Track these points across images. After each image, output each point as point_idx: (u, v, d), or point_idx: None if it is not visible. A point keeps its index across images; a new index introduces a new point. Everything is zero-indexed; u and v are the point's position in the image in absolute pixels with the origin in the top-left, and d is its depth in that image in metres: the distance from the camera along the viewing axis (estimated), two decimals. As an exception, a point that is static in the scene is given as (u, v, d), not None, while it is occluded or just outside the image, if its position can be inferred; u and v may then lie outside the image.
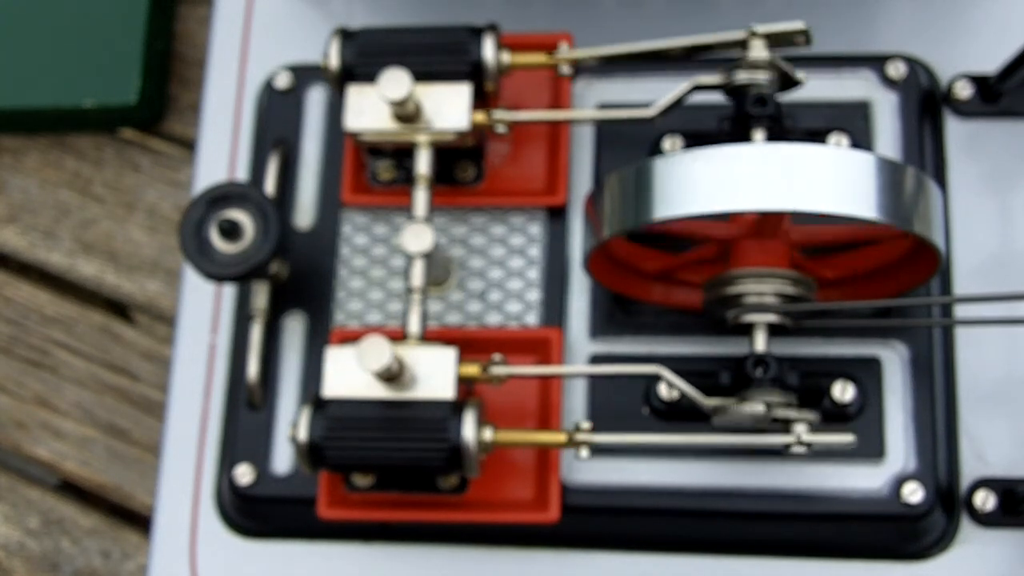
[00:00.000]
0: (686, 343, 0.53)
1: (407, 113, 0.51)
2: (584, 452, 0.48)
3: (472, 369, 0.48)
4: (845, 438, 0.46)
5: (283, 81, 0.59)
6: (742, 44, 0.51)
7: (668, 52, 0.52)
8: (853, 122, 0.55)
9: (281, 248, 0.52)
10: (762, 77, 0.50)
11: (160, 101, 0.71)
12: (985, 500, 0.51)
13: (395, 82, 0.49)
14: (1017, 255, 0.54)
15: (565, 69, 0.53)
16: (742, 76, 0.50)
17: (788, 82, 0.51)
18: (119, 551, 0.65)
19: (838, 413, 0.51)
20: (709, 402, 0.47)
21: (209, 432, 0.56)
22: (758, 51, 0.50)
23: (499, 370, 0.48)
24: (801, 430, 0.46)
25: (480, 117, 0.52)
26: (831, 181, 0.44)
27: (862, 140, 0.55)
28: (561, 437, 0.48)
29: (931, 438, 0.51)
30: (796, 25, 0.50)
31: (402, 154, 0.55)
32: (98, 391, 0.67)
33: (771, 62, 0.50)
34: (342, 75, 0.52)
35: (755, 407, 0.46)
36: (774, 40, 0.50)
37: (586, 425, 0.48)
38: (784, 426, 0.47)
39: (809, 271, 0.50)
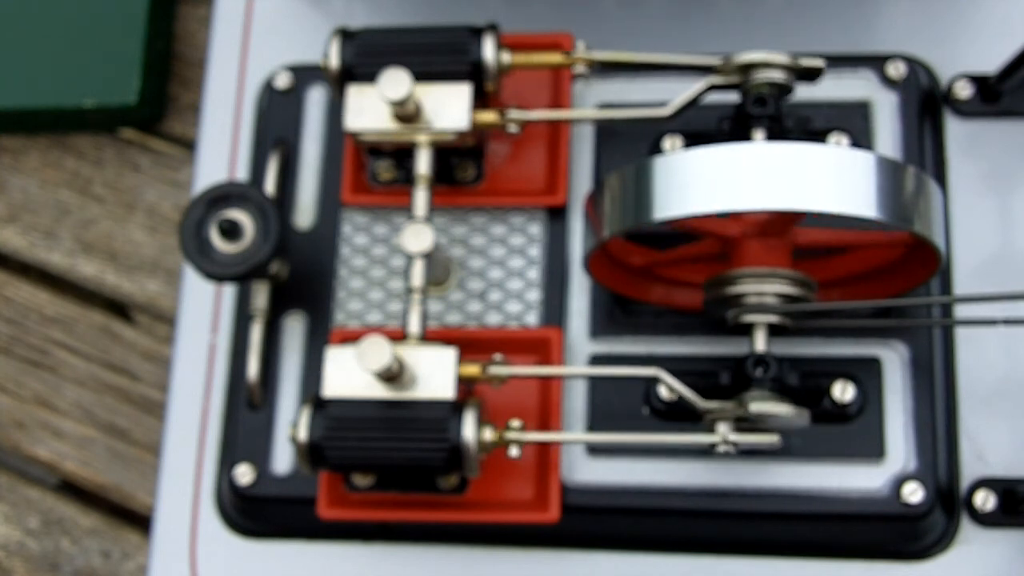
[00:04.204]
0: (686, 343, 0.53)
1: (407, 113, 0.51)
2: (515, 451, 0.48)
3: (472, 369, 0.48)
4: (770, 438, 0.46)
5: (283, 81, 0.59)
6: (766, 64, 0.50)
7: (687, 66, 0.52)
8: (853, 122, 0.55)
9: (281, 248, 0.52)
10: (778, 75, 0.50)
11: (160, 101, 0.71)
12: (985, 500, 0.51)
13: (395, 82, 0.49)
14: (1017, 255, 0.54)
15: (581, 69, 0.53)
16: (758, 76, 0.50)
17: (805, 76, 0.50)
18: (119, 551, 0.65)
19: (838, 413, 0.51)
20: (706, 404, 0.47)
21: (209, 432, 0.56)
22: (741, 57, 0.50)
23: (499, 370, 0.48)
24: (725, 430, 0.46)
25: (492, 116, 0.52)
26: (831, 180, 0.44)
27: (862, 140, 0.55)
28: (492, 435, 0.48)
29: (931, 438, 0.51)
30: (815, 62, 0.50)
31: (402, 154, 0.55)
32: (98, 391, 0.67)
33: (787, 63, 0.50)
34: (342, 75, 0.52)
35: (774, 408, 0.46)
36: (796, 72, 0.50)
37: (516, 423, 0.48)
38: (711, 425, 0.47)
39: (809, 272, 0.50)
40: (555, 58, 0.53)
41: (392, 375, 0.47)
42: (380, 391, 0.48)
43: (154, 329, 0.68)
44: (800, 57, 0.50)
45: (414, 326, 0.49)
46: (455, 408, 0.47)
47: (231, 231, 0.51)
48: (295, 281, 0.56)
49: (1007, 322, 0.50)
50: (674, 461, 0.52)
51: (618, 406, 0.53)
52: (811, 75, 0.50)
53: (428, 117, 0.51)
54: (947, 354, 0.53)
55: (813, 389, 0.52)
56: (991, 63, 0.56)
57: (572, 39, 0.56)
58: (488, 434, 0.48)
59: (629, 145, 0.56)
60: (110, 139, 0.72)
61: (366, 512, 0.52)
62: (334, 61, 0.52)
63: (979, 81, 0.56)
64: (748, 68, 0.50)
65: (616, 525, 0.53)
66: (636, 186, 0.46)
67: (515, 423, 0.48)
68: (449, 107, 0.51)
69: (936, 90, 0.56)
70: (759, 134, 0.50)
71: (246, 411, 0.55)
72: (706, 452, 0.52)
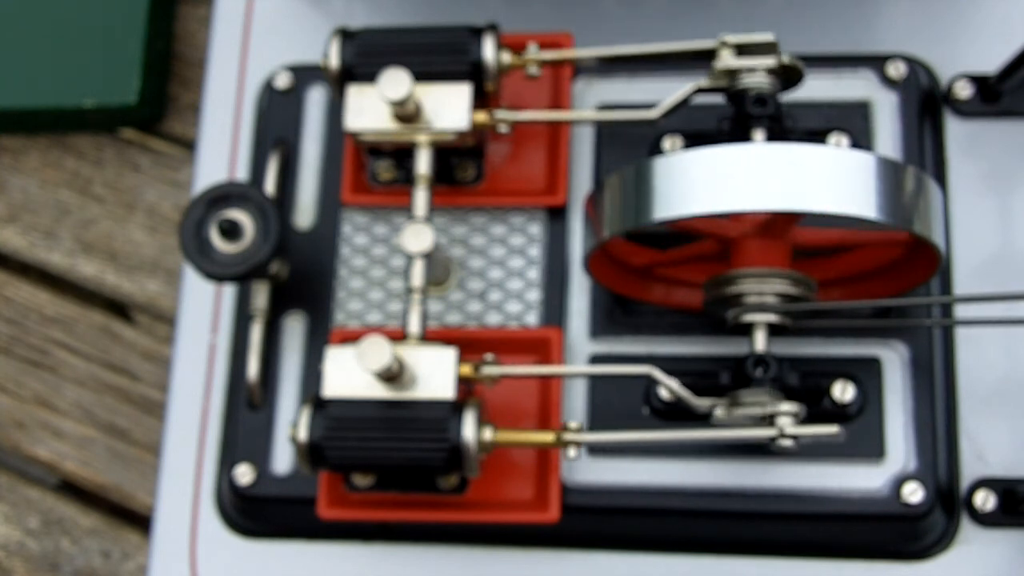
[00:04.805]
0: (686, 343, 0.53)
1: (407, 113, 0.51)
2: (572, 452, 0.48)
3: (464, 369, 0.48)
4: (830, 430, 0.46)
5: (283, 81, 0.59)
6: (710, 54, 0.51)
7: (641, 56, 0.52)
8: (853, 122, 0.55)
9: (281, 248, 0.52)
10: (764, 80, 0.50)
11: (160, 101, 0.71)
12: (985, 500, 0.51)
13: (395, 82, 0.49)
14: (1017, 255, 0.54)
15: (533, 70, 0.53)
16: (745, 80, 0.50)
17: (790, 79, 0.51)
18: (119, 551, 0.65)
19: (838, 413, 0.51)
20: (701, 403, 0.47)
21: (209, 432, 0.56)
22: (727, 60, 0.50)
23: (490, 370, 0.48)
24: (785, 423, 0.46)
25: (482, 117, 0.52)
26: (831, 181, 0.44)
27: (862, 140, 0.55)
28: (549, 437, 0.48)
29: (931, 438, 0.51)
30: (765, 37, 0.50)
31: (402, 154, 0.55)
32: (98, 391, 0.67)
33: (774, 64, 0.50)
34: (342, 75, 0.52)
35: (751, 411, 0.46)
36: (743, 50, 0.50)
37: (574, 425, 0.48)
38: (769, 421, 0.47)
39: (809, 271, 0.50)
40: (508, 59, 0.53)
41: (392, 375, 0.47)
42: (380, 391, 0.48)
43: (154, 329, 0.68)
44: (789, 59, 0.50)
45: (414, 326, 0.49)
46: (455, 408, 0.47)
47: (231, 231, 0.51)
48: (295, 281, 0.56)
49: (952, 323, 0.50)
50: (674, 461, 0.52)
51: (618, 406, 0.53)
52: (793, 77, 0.50)
53: (428, 117, 0.51)
54: (947, 354, 0.53)
55: (813, 389, 0.52)
56: (991, 63, 0.56)
57: (572, 39, 0.56)
58: (488, 434, 0.48)
59: (629, 145, 0.56)
60: (110, 139, 0.72)
61: (366, 512, 0.52)
62: (334, 61, 0.52)
63: (979, 81, 0.56)
64: (733, 73, 0.50)
65: (616, 525, 0.53)
66: (636, 186, 0.46)
67: (573, 424, 0.48)
68: (449, 107, 0.51)
69: (936, 90, 0.56)
70: (759, 134, 0.50)
71: (246, 411, 0.55)
72: (706, 452, 0.52)
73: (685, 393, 0.47)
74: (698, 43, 0.51)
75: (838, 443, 0.51)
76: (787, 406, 0.46)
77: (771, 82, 0.50)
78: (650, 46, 0.52)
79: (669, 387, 0.47)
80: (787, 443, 0.46)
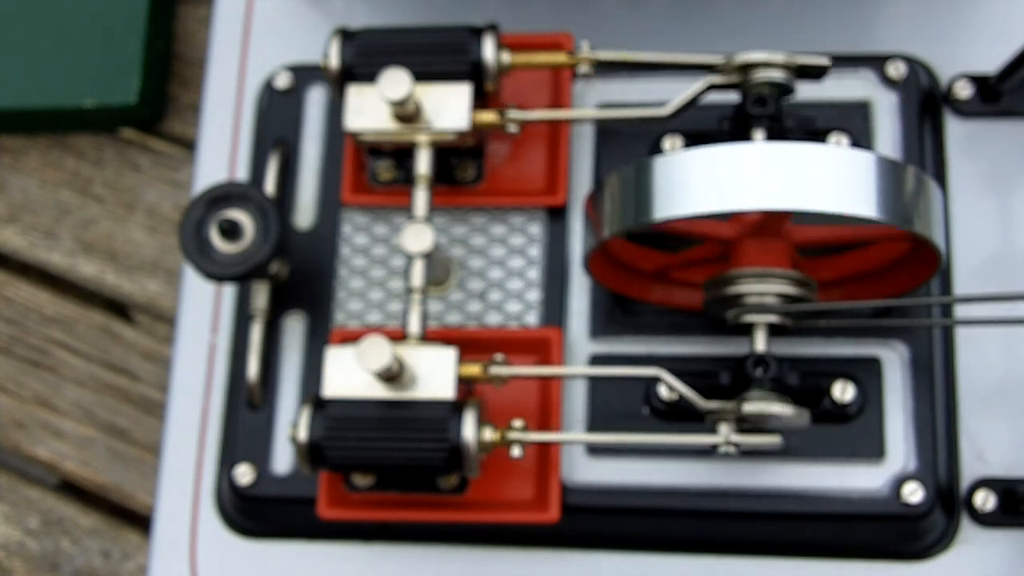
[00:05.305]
0: (686, 343, 0.53)
1: (407, 113, 0.51)
2: (516, 451, 0.48)
3: (473, 369, 0.48)
4: (772, 439, 0.46)
5: (283, 81, 0.59)
6: (766, 64, 0.50)
7: (690, 64, 0.52)
8: (853, 122, 0.55)
9: (281, 248, 0.52)
10: (778, 75, 0.50)
11: (160, 101, 0.71)
12: (985, 500, 0.51)
13: (395, 82, 0.49)
14: (1017, 255, 0.54)
15: (585, 69, 0.53)
16: (758, 75, 0.50)
17: (808, 75, 0.50)
18: (119, 551, 0.65)
19: (838, 413, 0.51)
20: (708, 404, 0.47)
21: (209, 432, 0.56)
22: (775, 73, 0.50)
23: (500, 370, 0.48)
24: (727, 431, 0.46)
25: (491, 116, 0.52)
26: (831, 181, 0.44)
27: (862, 140, 0.55)
28: (495, 435, 0.48)
29: (931, 438, 0.51)
30: (819, 60, 0.50)
31: (402, 154, 0.55)
32: (98, 391, 0.67)
33: (787, 62, 0.50)
34: (342, 75, 0.52)
35: (772, 407, 0.46)
36: (797, 71, 0.50)
37: (518, 423, 0.48)
38: (713, 425, 0.47)
39: (809, 271, 0.50)
40: (559, 58, 0.53)
41: (392, 375, 0.47)
42: (380, 391, 0.48)
43: (154, 329, 0.68)
44: (800, 56, 0.50)
45: (414, 326, 0.49)
46: (455, 408, 0.47)
47: (231, 231, 0.51)
48: (295, 281, 0.56)
49: (952, 323, 0.50)
50: (674, 461, 0.52)
51: (618, 406, 0.53)
52: (814, 73, 0.50)
53: (428, 117, 0.51)
54: (947, 354, 0.53)
55: (813, 389, 0.52)
56: (991, 63, 0.56)
57: (572, 39, 0.56)
58: (488, 434, 0.48)
59: (629, 145, 0.56)
60: (110, 139, 0.72)
61: (366, 512, 0.52)
62: (334, 61, 0.52)
63: (979, 81, 0.56)
64: (748, 68, 0.50)
65: (616, 525, 0.53)
66: (636, 186, 0.46)
67: (517, 423, 0.48)
68: (449, 107, 0.51)
69: (936, 90, 0.56)
70: (759, 134, 0.50)
71: (246, 411, 0.55)
72: (706, 452, 0.52)
73: (692, 395, 0.47)
74: (756, 55, 0.51)
75: (838, 443, 0.51)
76: (721, 405, 0.46)
77: (786, 78, 0.50)
78: (708, 57, 0.51)
79: (677, 389, 0.47)
80: (730, 450, 0.46)
